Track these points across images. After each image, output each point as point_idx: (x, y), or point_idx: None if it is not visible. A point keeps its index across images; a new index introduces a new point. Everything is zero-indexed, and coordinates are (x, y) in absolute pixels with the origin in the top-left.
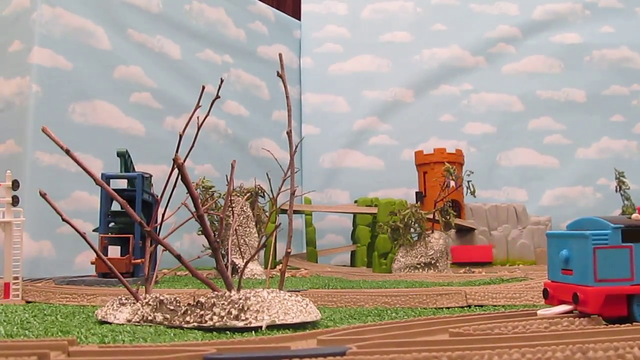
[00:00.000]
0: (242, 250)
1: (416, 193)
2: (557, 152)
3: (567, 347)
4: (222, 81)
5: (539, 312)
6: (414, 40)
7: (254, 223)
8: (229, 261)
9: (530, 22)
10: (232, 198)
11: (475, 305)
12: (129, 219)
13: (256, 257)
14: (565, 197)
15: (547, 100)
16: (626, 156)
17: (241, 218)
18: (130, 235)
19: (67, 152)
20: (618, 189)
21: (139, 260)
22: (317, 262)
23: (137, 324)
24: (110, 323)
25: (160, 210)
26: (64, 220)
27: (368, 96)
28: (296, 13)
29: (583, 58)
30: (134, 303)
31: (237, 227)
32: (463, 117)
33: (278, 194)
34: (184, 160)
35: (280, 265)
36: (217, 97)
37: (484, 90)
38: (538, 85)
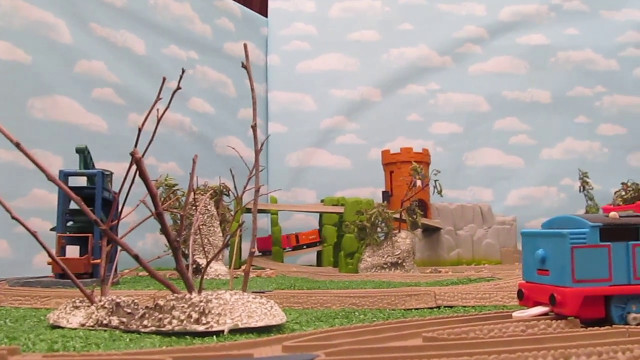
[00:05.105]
0: (206, 250)
1: (383, 192)
2: (523, 153)
3: (548, 352)
4: (183, 71)
5: (514, 314)
6: (381, 39)
7: (218, 222)
8: (191, 261)
9: (496, 22)
10: (195, 196)
11: (445, 306)
12: (88, 217)
13: (220, 256)
14: (530, 197)
15: (512, 101)
16: (590, 157)
17: (205, 217)
18: (90, 235)
19: (18, 145)
20: (582, 189)
21: (98, 260)
22: (282, 261)
23: (91, 328)
24: (62, 327)
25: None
26: (13, 218)
27: (335, 95)
28: (263, 10)
29: (548, 59)
30: (88, 306)
31: (201, 226)
32: (430, 116)
33: (243, 192)
34: (143, 155)
35: (245, 265)
36: (178, 88)
37: (451, 90)
38: (504, 86)
